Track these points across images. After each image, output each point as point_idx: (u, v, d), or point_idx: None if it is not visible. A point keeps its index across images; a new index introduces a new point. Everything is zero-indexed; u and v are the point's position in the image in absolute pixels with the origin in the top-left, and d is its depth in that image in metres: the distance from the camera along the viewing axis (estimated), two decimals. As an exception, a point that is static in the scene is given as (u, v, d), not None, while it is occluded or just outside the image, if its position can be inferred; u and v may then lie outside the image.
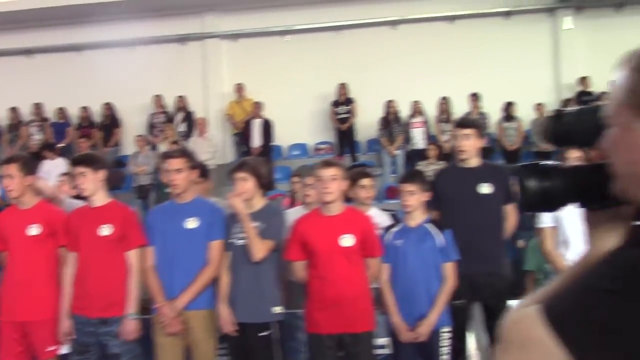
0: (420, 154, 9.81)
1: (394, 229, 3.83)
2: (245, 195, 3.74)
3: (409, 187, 3.72)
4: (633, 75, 0.95)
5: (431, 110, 10.47)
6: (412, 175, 3.86)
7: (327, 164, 3.63)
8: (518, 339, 0.95)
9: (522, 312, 0.96)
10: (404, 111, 10.49)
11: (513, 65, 10.78)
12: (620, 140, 0.96)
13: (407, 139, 10.33)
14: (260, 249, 3.64)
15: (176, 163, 3.81)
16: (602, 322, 0.83)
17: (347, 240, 3.61)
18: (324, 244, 3.61)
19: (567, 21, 11.10)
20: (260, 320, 3.70)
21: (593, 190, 1.06)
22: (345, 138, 10.85)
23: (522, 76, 10.63)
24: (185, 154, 3.97)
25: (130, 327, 3.76)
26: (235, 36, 11.72)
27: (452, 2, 11.10)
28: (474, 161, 3.95)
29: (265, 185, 3.92)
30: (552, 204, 1.18)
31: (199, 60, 11.70)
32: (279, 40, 11.58)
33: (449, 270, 3.72)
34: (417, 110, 10.39)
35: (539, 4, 11.14)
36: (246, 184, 3.76)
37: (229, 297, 3.76)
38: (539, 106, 10.28)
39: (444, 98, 10.38)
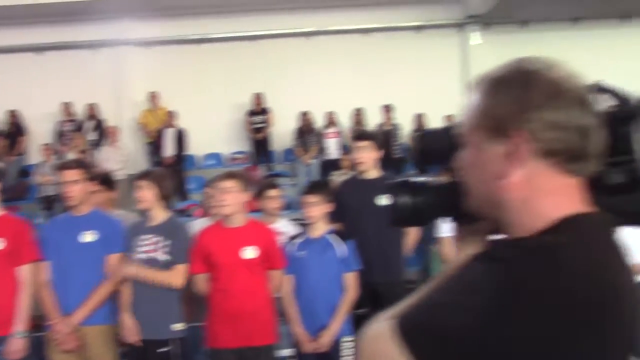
0: (335, 164, 9.92)
1: (297, 240, 3.85)
2: (144, 204, 3.68)
3: (312, 198, 3.75)
4: (484, 98, 1.00)
5: (346, 120, 10.61)
6: (314, 187, 3.89)
7: (226, 175, 3.61)
8: (373, 354, 0.97)
9: (378, 327, 0.98)
10: (319, 121, 10.59)
11: (424, 77, 11.08)
12: (473, 160, 1.00)
13: (322, 149, 10.42)
14: (176, 279, 3.59)
15: (71, 174, 3.68)
16: (449, 335, 0.86)
17: (250, 253, 3.59)
18: (226, 257, 3.59)
19: (475, 36, 11.54)
20: (160, 337, 3.62)
21: (457, 206, 1.10)
22: (260, 148, 10.84)
23: (433, 88, 10.94)
24: (82, 165, 3.85)
25: (16, 346, 3.57)
26: (149, 43, 11.47)
27: (366, 15, 11.32)
28: (372, 173, 4.02)
29: (167, 197, 3.85)
30: (422, 219, 1.22)
31: (111, 67, 11.38)
32: (195, 49, 11.44)
33: (351, 280, 3.76)
34: (331, 121, 10.51)
35: (448, 19, 11.53)
36: (146, 193, 3.69)
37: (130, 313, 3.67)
38: (449, 117, 10.60)
39: (358, 109, 10.55)
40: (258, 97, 10.82)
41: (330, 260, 3.73)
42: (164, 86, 11.00)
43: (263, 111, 10.84)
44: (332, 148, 10.36)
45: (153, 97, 10.96)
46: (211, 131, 11.03)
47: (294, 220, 4.90)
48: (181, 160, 10.33)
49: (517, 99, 0.94)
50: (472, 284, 0.88)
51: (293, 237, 3.89)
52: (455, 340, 0.85)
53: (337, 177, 8.55)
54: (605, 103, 1.19)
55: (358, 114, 10.55)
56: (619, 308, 0.88)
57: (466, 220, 1.11)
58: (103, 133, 10.67)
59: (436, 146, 1.25)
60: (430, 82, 11.00)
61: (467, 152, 1.01)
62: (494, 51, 11.11)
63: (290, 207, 7.84)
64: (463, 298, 0.87)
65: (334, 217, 3.89)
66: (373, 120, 10.40)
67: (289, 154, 11.03)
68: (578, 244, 0.89)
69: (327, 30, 11.33)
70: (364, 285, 3.77)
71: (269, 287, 3.71)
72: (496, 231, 1.02)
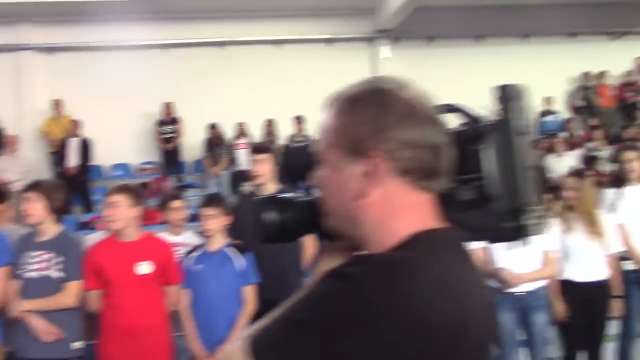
0: (245, 175, 9.83)
1: (194, 254, 3.78)
2: (32, 218, 3.49)
3: (209, 211, 3.69)
4: (341, 117, 1.00)
5: (257, 131, 10.57)
6: (211, 200, 3.83)
7: (115, 189, 3.49)
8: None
9: (234, 346, 0.96)
10: (230, 132, 10.49)
11: (336, 89, 11.15)
12: (329, 179, 1.00)
13: (233, 160, 10.33)
14: (69, 299, 3.44)
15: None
16: (294, 353, 0.86)
17: (144, 268, 3.49)
18: (119, 272, 3.47)
19: (385, 50, 11.80)
20: (57, 356, 3.45)
21: (320, 223, 1.10)
22: (170, 158, 10.62)
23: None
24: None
25: None
26: (52, 49, 11.04)
27: (278, 27, 11.35)
28: (270, 186, 4.01)
29: (59, 210, 3.68)
30: (289, 236, 1.21)
31: (11, 73, 10.87)
32: (103, 56, 11.10)
33: (249, 293, 3.73)
34: (242, 132, 10.43)
35: (359, 33, 11.73)
36: (35, 206, 3.50)
37: (23, 332, 3.46)
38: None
39: (269, 120, 10.53)
40: (168, 107, 10.61)
41: (229, 273, 3.68)
42: (69, 94, 10.62)
43: (173, 121, 10.64)
44: (243, 159, 10.29)
45: (57, 104, 10.55)
46: (119, 141, 10.71)
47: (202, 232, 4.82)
48: (86, 170, 9.99)
49: (374, 118, 0.95)
50: (317, 301, 0.88)
51: (190, 251, 3.82)
52: (300, 357, 0.85)
53: (247, 188, 8.50)
54: (456, 122, 1.23)
55: (269, 125, 10.53)
56: (464, 322, 0.89)
57: (332, 236, 1.11)
58: (1, 142, 10.15)
59: (297, 162, 1.26)
60: (340, 95, 11.08)
61: (324, 170, 1.02)
62: (402, 65, 11.41)
63: (198, 219, 7.69)
64: (308, 315, 0.87)
65: (232, 231, 3.84)
66: (285, 132, 10.41)
67: (199, 165, 10.86)
68: (424, 259, 0.91)
69: (239, 40, 11.28)
70: (262, 300, 3.74)
71: (165, 303, 3.61)
72: (357, 248, 1.03)
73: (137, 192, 3.47)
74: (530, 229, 1.10)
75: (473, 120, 1.17)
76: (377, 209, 0.95)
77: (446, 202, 1.06)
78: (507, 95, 1.13)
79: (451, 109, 1.22)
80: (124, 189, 3.46)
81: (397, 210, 0.96)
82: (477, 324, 0.93)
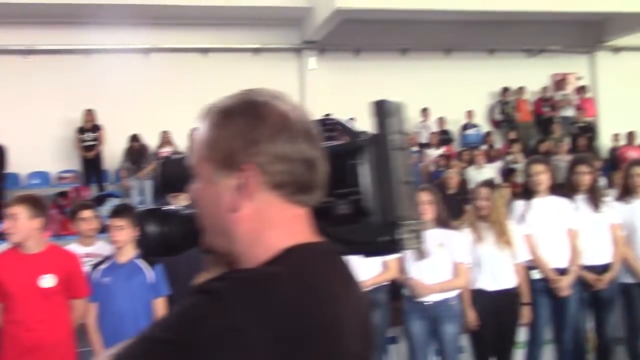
0: (169, 185, 9.68)
1: (102, 266, 3.66)
2: None
3: (118, 222, 3.59)
4: (213, 130, 0.98)
5: (182, 140, 10.40)
6: (120, 210, 3.73)
7: (14, 200, 3.34)
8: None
9: None
10: (155, 140, 10.29)
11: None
12: (204, 192, 0.98)
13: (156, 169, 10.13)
14: None
15: None
16: None
17: (47, 281, 3.36)
18: (20, 285, 3.32)
19: (312, 61, 11.88)
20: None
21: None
22: (91, 167, 10.35)
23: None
24: None
25: None
26: (-35, 52, 10.57)
27: (205, 35, 11.24)
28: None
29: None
30: (172, 249, 1.18)
31: None
32: (21, 60, 10.69)
33: (160, 305, 3.64)
34: (166, 140, 10.26)
35: (286, 43, 11.77)
36: None
37: None
38: (193, 131, 10.74)
39: (195, 129, 10.33)
40: (89, 114, 10.33)
41: (138, 286, 3.58)
42: (-17, 99, 10.17)
43: (94, 128, 10.37)
44: (167, 168, 10.11)
45: (-31, 110, 10.08)
46: (37, 148, 10.34)
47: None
48: (1, 178, 9.57)
49: (246, 131, 0.94)
50: (180, 318, 0.87)
51: (98, 263, 3.70)
52: None
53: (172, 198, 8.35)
54: (334, 136, 1.24)
55: (194, 134, 10.38)
56: (329, 335, 0.89)
57: (212, 251, 1.09)
58: None
59: (175, 175, 1.23)
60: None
61: (198, 184, 1.00)
62: (329, 76, 11.54)
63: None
64: (169, 332, 0.85)
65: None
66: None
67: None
68: (291, 273, 0.90)
69: (164, 47, 11.09)
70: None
71: (71, 317, 3.48)
72: (233, 263, 1.01)
73: (38, 203, 3.33)
74: (405, 243, 1.11)
75: (352, 135, 1.18)
76: (249, 223, 0.94)
77: (323, 216, 1.07)
78: (384, 110, 1.14)
79: (330, 122, 1.23)
80: (23, 200, 3.31)
81: (270, 225, 0.95)
82: (347, 336, 0.93)
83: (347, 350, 0.93)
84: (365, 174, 1.09)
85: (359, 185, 1.09)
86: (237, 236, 0.95)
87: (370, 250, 1.18)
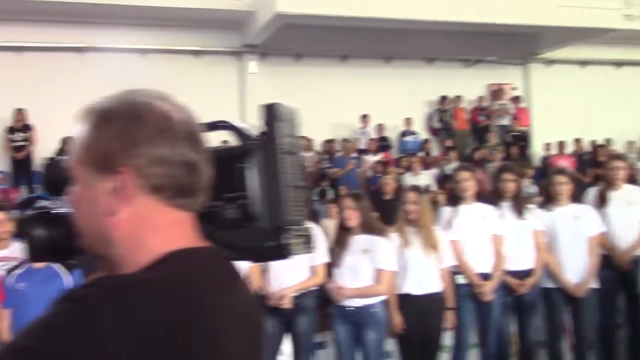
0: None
1: (17, 271, 3.55)
2: None
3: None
4: (91, 131, 0.95)
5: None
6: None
7: None
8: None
9: None
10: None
11: (203, 103, 10.87)
12: (80, 195, 0.95)
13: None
14: None
15: None
16: None
17: (-43, 286, 3.23)
18: None
19: (253, 65, 11.82)
20: None
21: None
22: (21, 167, 10.02)
23: (211, 114, 10.79)
24: None
25: None
26: None
27: (143, 35, 11.04)
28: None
29: None
30: (62, 253, 1.14)
31: None
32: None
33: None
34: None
35: (226, 46, 11.68)
36: None
37: None
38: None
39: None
40: (20, 113, 10.01)
41: (55, 291, 3.46)
42: None
43: (25, 128, 10.05)
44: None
45: None
46: (-37, 148, 9.96)
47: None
48: None
49: (123, 133, 0.92)
50: (44, 326, 0.84)
51: (13, 268, 3.58)
52: None
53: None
54: (224, 139, 1.23)
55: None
56: (209, 342, 0.87)
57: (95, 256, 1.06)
58: None
59: (57, 176, 1.20)
60: (208, 108, 10.81)
61: (76, 186, 0.97)
62: (270, 81, 11.51)
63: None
64: (33, 340, 0.83)
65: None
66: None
67: (53, 175, 10.30)
68: (170, 278, 0.88)
69: (100, 47, 10.84)
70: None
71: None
72: (111, 268, 0.98)
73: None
74: (292, 248, 1.11)
75: (242, 138, 1.17)
76: (127, 227, 0.92)
77: (211, 221, 1.05)
78: (273, 114, 1.14)
79: (221, 125, 1.22)
80: None
81: (149, 229, 0.93)
82: (230, 342, 0.92)
83: (229, 356, 0.92)
84: (253, 178, 1.09)
85: (247, 189, 1.09)
86: (115, 240, 0.93)
87: (257, 255, 1.18)
